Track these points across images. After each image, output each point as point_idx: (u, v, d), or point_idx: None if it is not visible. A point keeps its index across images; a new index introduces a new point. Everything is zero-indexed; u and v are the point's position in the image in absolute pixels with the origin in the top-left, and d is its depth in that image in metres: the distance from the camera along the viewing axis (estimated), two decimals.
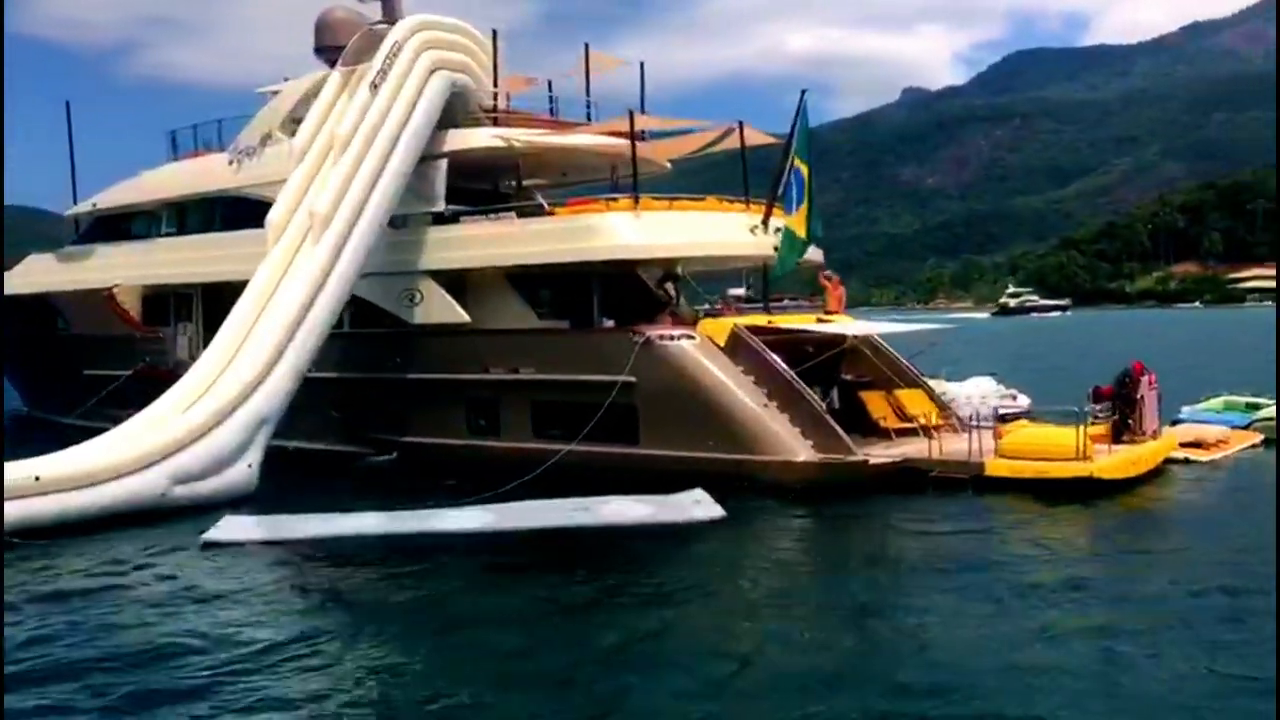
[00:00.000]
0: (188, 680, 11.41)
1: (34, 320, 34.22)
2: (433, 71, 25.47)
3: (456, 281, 25.18)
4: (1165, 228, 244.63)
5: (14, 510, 17.81)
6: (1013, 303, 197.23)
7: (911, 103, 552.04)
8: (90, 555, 17.23)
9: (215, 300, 30.63)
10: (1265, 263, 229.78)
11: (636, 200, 23.39)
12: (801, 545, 18.22)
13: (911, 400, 24.07)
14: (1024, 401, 28.38)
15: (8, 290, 33.76)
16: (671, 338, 22.38)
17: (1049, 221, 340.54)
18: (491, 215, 25.54)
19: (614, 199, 23.87)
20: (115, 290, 31.60)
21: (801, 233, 24.24)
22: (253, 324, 22.92)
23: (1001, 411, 25.96)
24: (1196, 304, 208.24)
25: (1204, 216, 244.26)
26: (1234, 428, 24.33)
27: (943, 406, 24.33)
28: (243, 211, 29.42)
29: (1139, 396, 21.51)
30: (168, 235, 31.66)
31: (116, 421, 30.85)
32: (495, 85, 26.39)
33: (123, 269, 31.94)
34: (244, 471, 21.19)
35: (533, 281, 24.86)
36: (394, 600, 14.57)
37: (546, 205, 24.74)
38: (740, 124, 25.53)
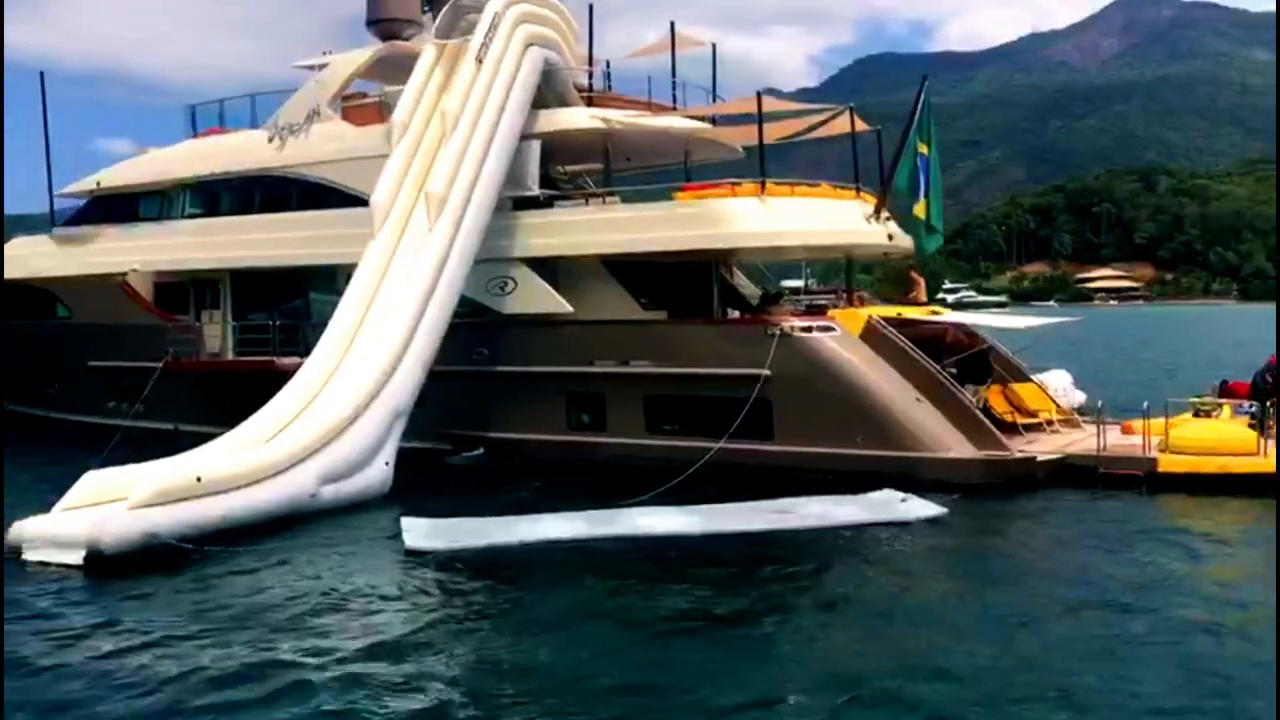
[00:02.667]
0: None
1: (24, 308, 31.39)
2: (528, 46, 24.16)
3: (550, 269, 23.95)
4: (1018, 229, 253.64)
5: (181, 513, 16.16)
6: (950, 299, 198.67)
7: None
8: (291, 566, 15.69)
9: (246, 286, 28.76)
10: (1111, 263, 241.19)
11: (763, 186, 22.56)
12: (1037, 550, 16.68)
13: (1028, 395, 23.84)
14: (1079, 396, 28.48)
15: None
16: (809, 329, 21.64)
17: (898, 221, 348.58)
18: (594, 199, 24.41)
19: (737, 184, 22.95)
20: (131, 275, 29.27)
21: (924, 217, 24.09)
22: (365, 311, 21.32)
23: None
24: (1051, 303, 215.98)
25: (1053, 219, 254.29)
26: None
27: (1057, 402, 24.17)
28: (286, 191, 27.65)
29: None
30: (191, 217, 29.39)
31: (120, 417, 28.97)
32: (590, 63, 25.18)
33: (137, 253, 29.54)
34: (382, 470, 19.72)
35: (633, 269, 23.77)
36: (646, 613, 13.32)
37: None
38: (851, 109, 24.93)
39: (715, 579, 14.70)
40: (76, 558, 15.11)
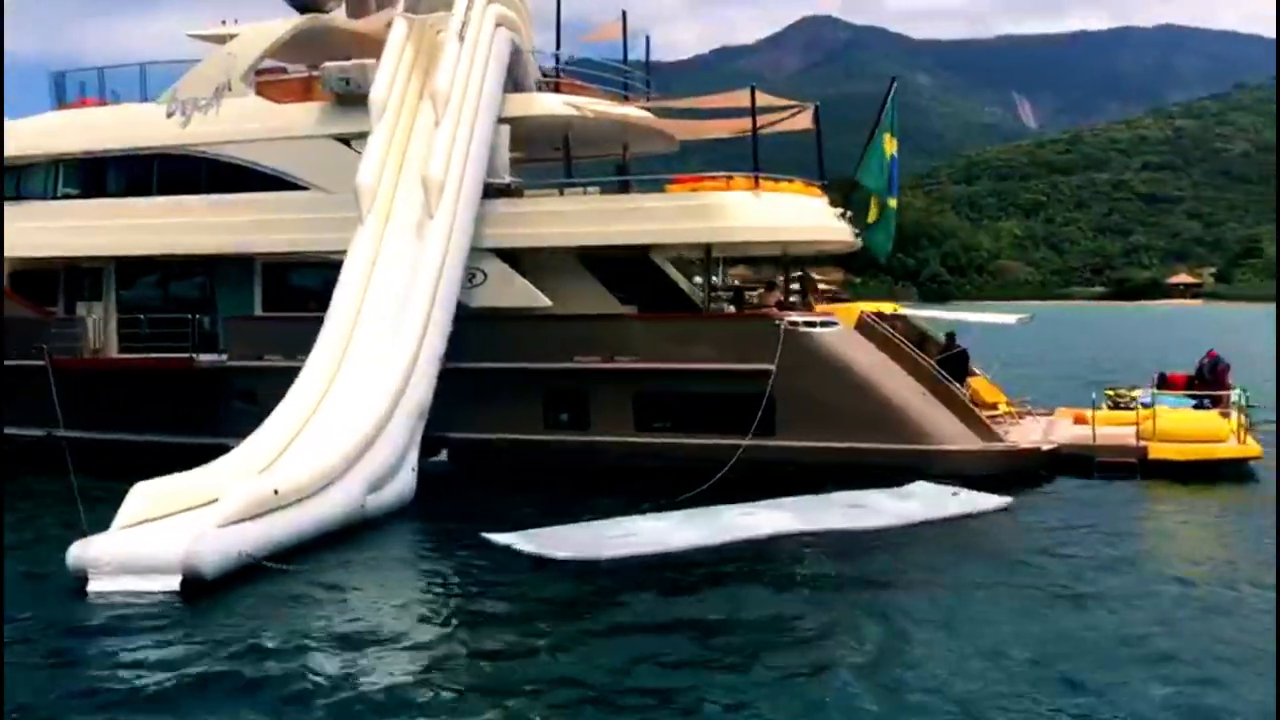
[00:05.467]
0: None
1: None
2: (497, 27, 22.93)
3: (518, 261, 22.81)
4: None
5: (266, 529, 14.39)
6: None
7: None
8: (388, 582, 14.43)
9: (135, 276, 25.96)
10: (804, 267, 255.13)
11: (757, 181, 22.34)
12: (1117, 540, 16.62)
13: (983, 388, 24.64)
14: None
15: None
16: (814, 324, 21.58)
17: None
18: (568, 190, 23.44)
19: (730, 177, 22.61)
20: None
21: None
22: (361, 303, 19.61)
23: None
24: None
25: None
26: None
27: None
28: (192, 172, 25.06)
29: (1229, 383, 23.27)
30: (66, 197, 26.09)
31: None
32: (558, 47, 24.21)
33: None
34: (409, 477, 18.15)
35: (606, 263, 22.98)
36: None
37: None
38: (816, 107, 25.08)
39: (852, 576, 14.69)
40: (170, 583, 13.03)
